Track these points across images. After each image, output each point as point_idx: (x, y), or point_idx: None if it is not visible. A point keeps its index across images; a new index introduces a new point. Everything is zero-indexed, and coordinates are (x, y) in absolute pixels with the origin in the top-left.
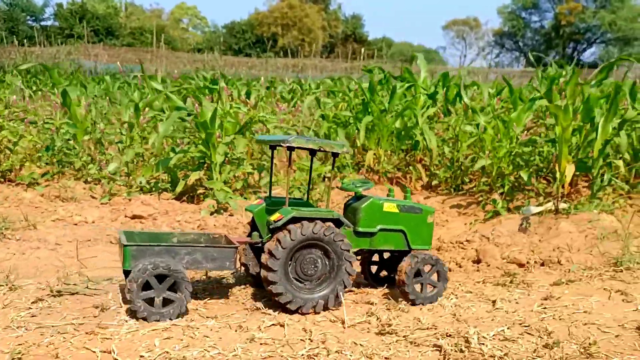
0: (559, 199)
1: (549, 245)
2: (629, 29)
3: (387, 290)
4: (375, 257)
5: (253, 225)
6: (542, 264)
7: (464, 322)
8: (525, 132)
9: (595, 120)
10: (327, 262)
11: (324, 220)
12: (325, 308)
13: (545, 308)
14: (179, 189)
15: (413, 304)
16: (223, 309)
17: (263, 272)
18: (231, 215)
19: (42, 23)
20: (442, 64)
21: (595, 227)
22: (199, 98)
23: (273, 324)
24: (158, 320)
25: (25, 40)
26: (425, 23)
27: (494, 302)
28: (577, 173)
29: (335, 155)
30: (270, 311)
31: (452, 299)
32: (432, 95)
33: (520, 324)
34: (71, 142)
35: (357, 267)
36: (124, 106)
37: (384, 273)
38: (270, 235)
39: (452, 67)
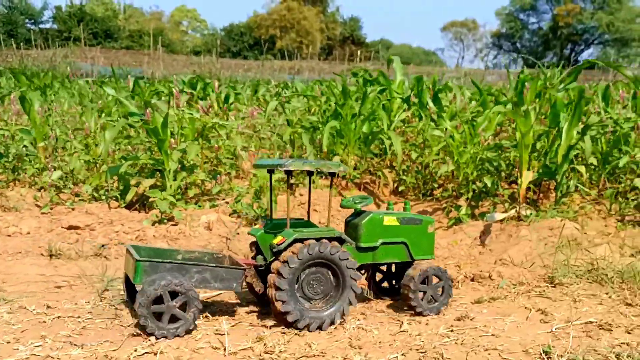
0: (521, 206)
1: (490, 257)
2: (627, 30)
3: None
4: (383, 267)
5: (257, 248)
6: (473, 279)
7: (357, 348)
8: (497, 136)
9: (560, 125)
10: (333, 281)
11: (327, 239)
12: (332, 324)
13: (452, 330)
14: (128, 197)
15: (418, 314)
16: (99, 334)
17: (271, 292)
18: (175, 224)
19: (41, 26)
20: (440, 65)
21: (555, 235)
22: (150, 104)
23: (147, 352)
24: (165, 337)
25: (22, 44)
26: (424, 25)
27: (402, 323)
28: (547, 179)
29: (332, 174)
30: (152, 339)
31: (359, 319)
32: (407, 99)
33: (417, 349)
34: (29, 148)
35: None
36: (88, 111)
37: (385, 284)
38: (274, 257)
39: (451, 69)
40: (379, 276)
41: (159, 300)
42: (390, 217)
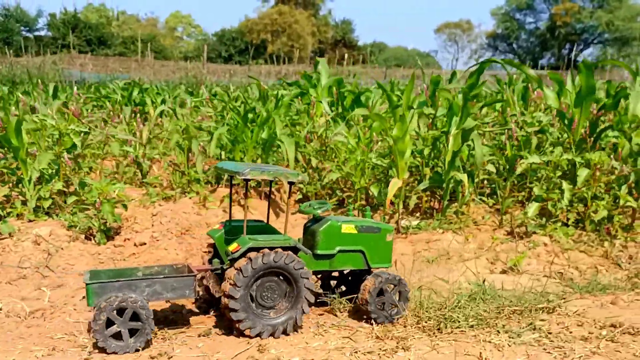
0: (401, 217)
1: None
2: (627, 28)
3: None
4: (335, 273)
5: (215, 250)
6: None
7: None
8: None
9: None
10: (287, 289)
11: (281, 248)
12: (284, 333)
13: None
14: None
15: (375, 322)
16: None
17: (224, 300)
18: (3, 238)
19: (36, 33)
20: (437, 68)
21: (431, 249)
22: (5, 108)
23: None
24: (128, 352)
25: (19, 51)
26: (418, 27)
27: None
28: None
29: (291, 183)
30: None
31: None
32: (335, 103)
33: None
34: None
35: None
36: None
37: (342, 288)
38: (229, 263)
39: (446, 71)
40: (333, 282)
41: (109, 322)
42: (349, 225)
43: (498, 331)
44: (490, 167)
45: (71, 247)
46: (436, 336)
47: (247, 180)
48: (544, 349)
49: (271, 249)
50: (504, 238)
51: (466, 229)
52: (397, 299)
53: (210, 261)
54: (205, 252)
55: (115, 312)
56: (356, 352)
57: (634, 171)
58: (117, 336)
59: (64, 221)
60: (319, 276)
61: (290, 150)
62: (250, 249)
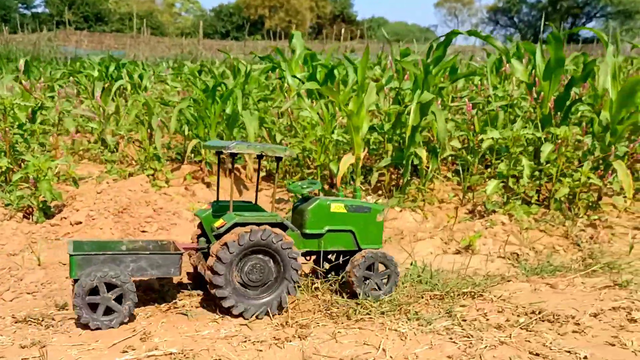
0: (354, 193)
1: None
2: (631, 2)
3: None
4: (331, 257)
5: (202, 229)
6: None
7: None
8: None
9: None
10: (273, 269)
11: (268, 225)
12: (268, 315)
13: None
14: None
15: (354, 295)
16: None
17: (208, 275)
18: None
19: (34, 10)
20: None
21: (385, 228)
22: None
23: None
24: (99, 328)
25: (16, 28)
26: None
27: None
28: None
29: (278, 159)
30: None
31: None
32: (312, 76)
33: None
34: None
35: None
36: None
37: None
38: (215, 238)
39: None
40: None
41: (94, 291)
42: (338, 204)
43: (409, 318)
44: (456, 143)
45: (4, 226)
46: (343, 323)
47: (233, 156)
48: (451, 338)
49: (258, 225)
50: (463, 217)
51: (426, 208)
52: (386, 282)
53: (198, 239)
54: (196, 233)
55: (104, 285)
56: (245, 342)
57: (600, 146)
58: (94, 308)
59: (3, 199)
60: (307, 258)
61: (252, 126)
62: (236, 225)
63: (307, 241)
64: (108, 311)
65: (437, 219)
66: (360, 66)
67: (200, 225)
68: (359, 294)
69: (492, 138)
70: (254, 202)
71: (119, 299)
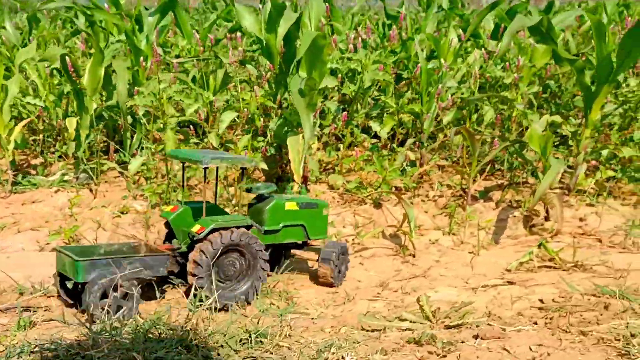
0: None
1: None
2: None
3: None
4: None
5: (170, 230)
6: None
7: None
8: None
9: None
10: (243, 262)
11: (239, 227)
12: (247, 301)
13: None
14: None
15: (330, 285)
16: None
17: (190, 279)
18: None
19: None
20: None
21: None
22: None
23: None
24: None
25: None
26: None
27: None
28: None
29: (243, 168)
30: None
31: None
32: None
33: None
34: None
35: None
36: None
37: None
38: (189, 241)
39: None
40: None
41: (104, 295)
42: (291, 203)
43: None
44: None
45: None
46: None
47: (205, 168)
48: None
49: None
50: None
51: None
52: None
53: (168, 241)
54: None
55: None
56: None
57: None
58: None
59: None
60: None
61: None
62: (213, 230)
63: (266, 236)
64: (118, 309)
65: None
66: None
67: (167, 225)
68: (335, 282)
69: None
70: (212, 202)
71: (124, 297)
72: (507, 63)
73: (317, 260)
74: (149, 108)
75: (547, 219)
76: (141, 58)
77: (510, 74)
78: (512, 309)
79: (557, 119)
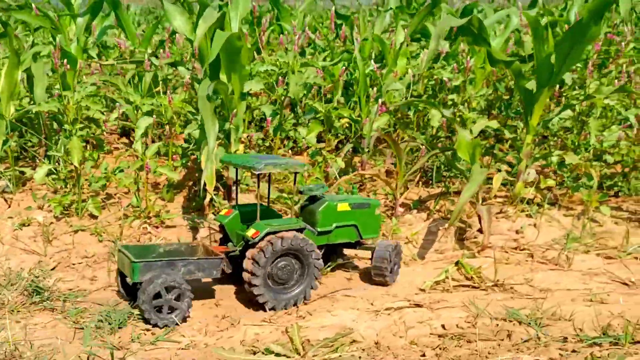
0: None
1: None
2: None
3: None
4: None
5: (225, 233)
6: None
7: None
8: None
9: None
10: (298, 267)
11: (293, 230)
12: (295, 305)
13: None
14: None
15: (384, 284)
16: None
17: (246, 276)
18: None
19: None
20: None
21: None
22: None
23: None
24: (167, 325)
25: None
26: None
27: None
28: None
29: (296, 173)
30: None
31: None
32: None
33: None
34: None
35: None
36: None
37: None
38: (243, 244)
39: None
40: None
41: (157, 295)
42: (343, 204)
43: None
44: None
45: None
46: None
47: (259, 174)
48: None
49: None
50: None
51: None
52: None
53: (224, 243)
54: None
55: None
56: None
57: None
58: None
59: None
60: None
61: None
62: (268, 233)
63: (318, 237)
64: (171, 310)
65: None
66: None
67: (222, 229)
68: (388, 282)
69: None
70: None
71: (177, 298)
72: (455, 65)
73: (371, 259)
74: (54, 113)
75: (481, 231)
76: (65, 60)
77: (459, 76)
78: (407, 337)
79: (493, 124)
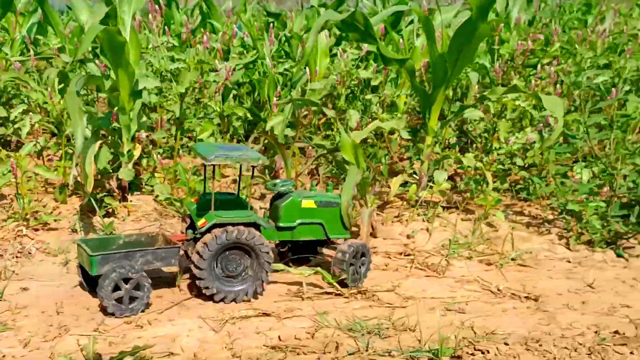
0: None
1: None
2: None
3: None
4: None
5: (191, 220)
6: None
7: None
8: None
9: None
10: (248, 261)
11: (244, 224)
12: (247, 298)
13: None
14: None
15: (344, 285)
16: None
17: (193, 269)
18: None
19: None
20: None
21: None
22: None
23: None
24: (127, 316)
25: None
26: None
27: None
28: None
29: (253, 166)
30: None
31: None
32: None
33: None
34: None
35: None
36: None
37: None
38: (199, 235)
39: None
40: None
41: (117, 287)
42: (308, 201)
43: None
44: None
45: None
46: None
47: (213, 165)
48: None
49: (234, 224)
50: None
51: None
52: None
53: (186, 231)
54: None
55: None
56: None
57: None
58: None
59: None
60: (283, 248)
61: None
62: (215, 225)
63: (281, 233)
64: (131, 300)
65: None
66: None
67: (189, 217)
68: (345, 281)
69: None
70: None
71: (137, 288)
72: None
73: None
74: None
75: (373, 235)
76: None
77: (378, 76)
78: (234, 349)
79: (386, 126)
